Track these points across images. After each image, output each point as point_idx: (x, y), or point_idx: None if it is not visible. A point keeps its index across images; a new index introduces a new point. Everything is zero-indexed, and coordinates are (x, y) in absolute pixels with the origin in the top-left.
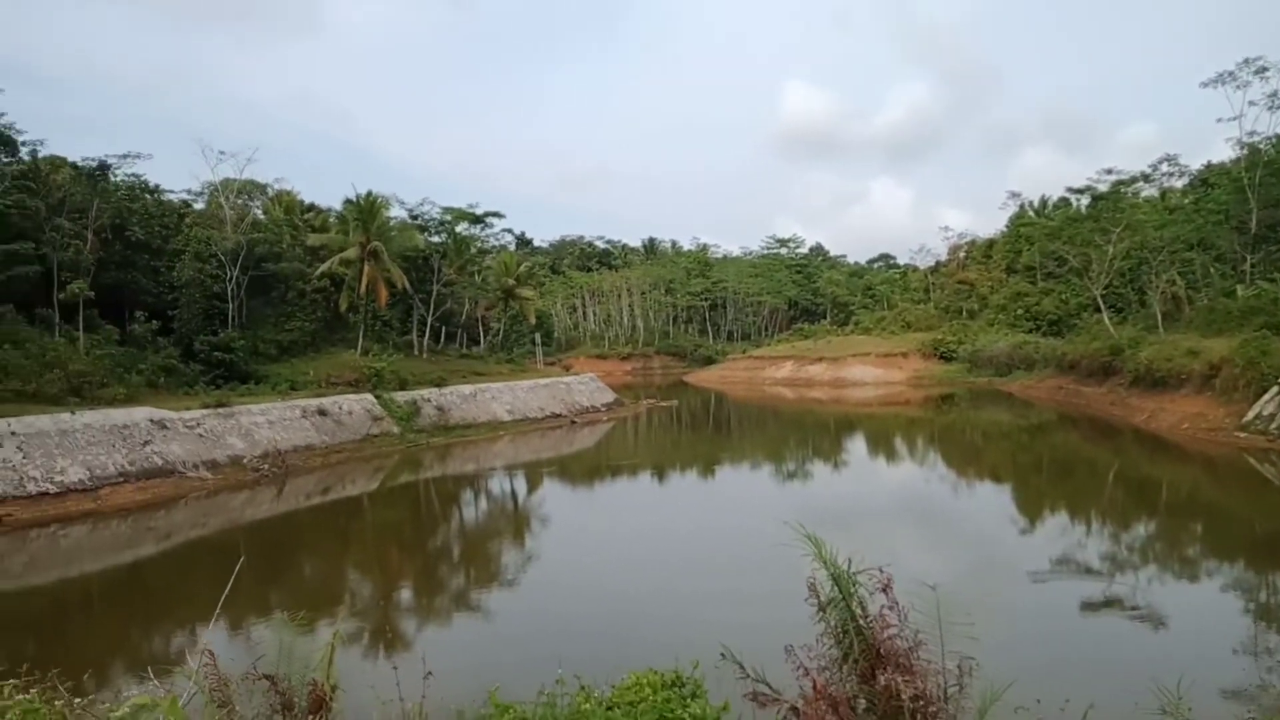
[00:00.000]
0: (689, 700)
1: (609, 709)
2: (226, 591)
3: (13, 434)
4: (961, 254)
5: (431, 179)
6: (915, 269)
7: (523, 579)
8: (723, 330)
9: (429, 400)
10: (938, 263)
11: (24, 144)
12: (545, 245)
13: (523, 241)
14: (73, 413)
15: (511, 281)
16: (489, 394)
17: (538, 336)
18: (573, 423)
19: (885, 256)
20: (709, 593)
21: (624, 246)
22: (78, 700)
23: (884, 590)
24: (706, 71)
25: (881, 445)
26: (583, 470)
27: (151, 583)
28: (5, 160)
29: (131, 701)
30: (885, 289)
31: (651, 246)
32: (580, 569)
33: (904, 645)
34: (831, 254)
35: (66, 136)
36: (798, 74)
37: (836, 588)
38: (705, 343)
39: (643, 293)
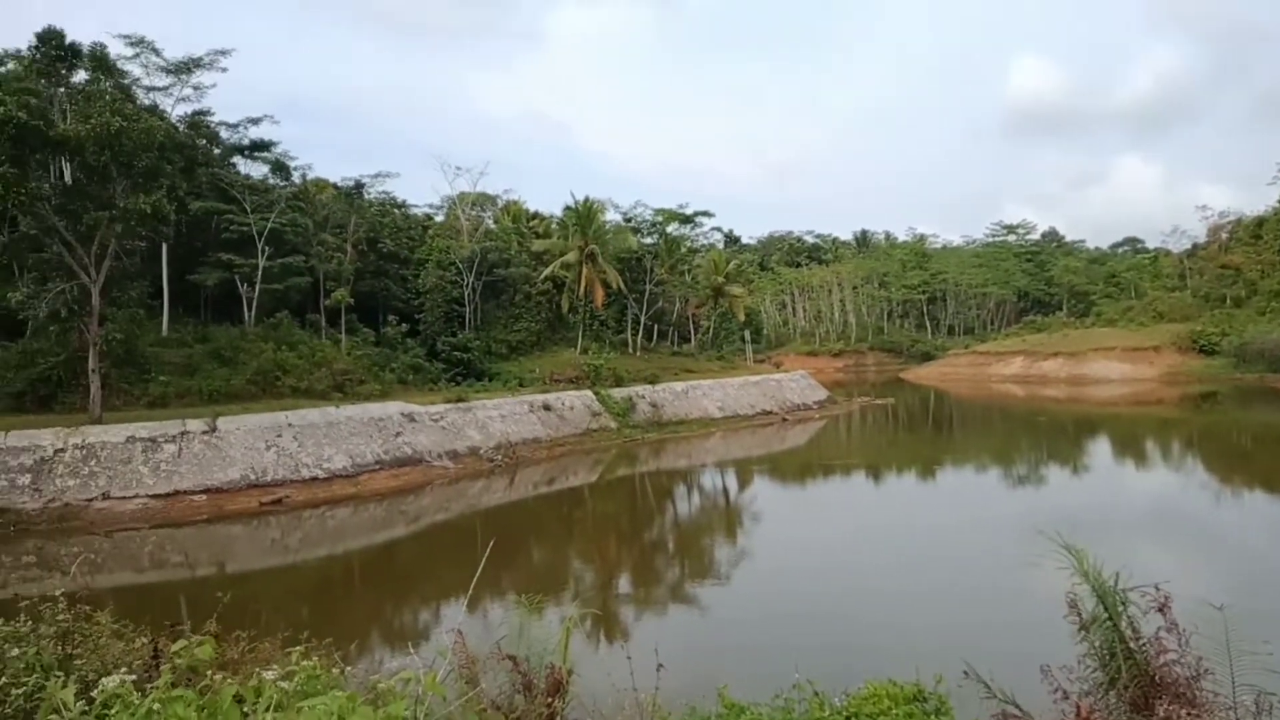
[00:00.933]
0: (934, 717)
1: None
2: (477, 575)
3: (290, 425)
4: (1224, 235)
5: (644, 181)
6: (1167, 253)
7: (737, 575)
8: (942, 324)
9: (643, 397)
10: (1194, 246)
11: (295, 169)
12: (753, 242)
13: (731, 239)
14: (337, 407)
15: (720, 279)
16: (700, 391)
17: (747, 334)
18: (784, 420)
19: (1131, 240)
20: (939, 601)
21: (834, 240)
22: (348, 669)
23: (1160, 610)
24: (923, 53)
25: (1132, 448)
26: (795, 468)
27: (403, 561)
28: (281, 184)
29: (399, 675)
30: (1132, 276)
31: (864, 239)
32: (797, 568)
33: (1185, 673)
34: (1067, 239)
35: (328, 160)
36: (1027, 48)
37: (1101, 605)
38: (923, 338)
39: (854, 287)
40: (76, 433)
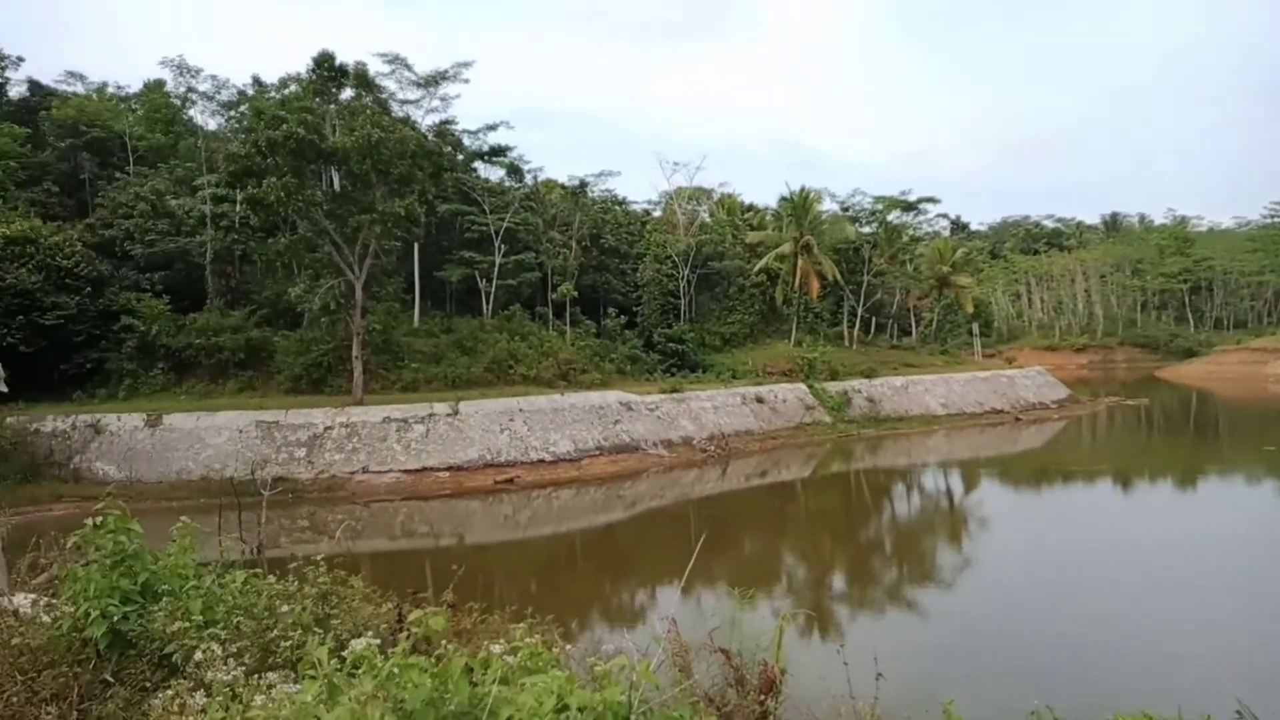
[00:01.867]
0: None
1: None
2: (691, 564)
3: (521, 411)
4: None
5: (865, 168)
6: None
7: (961, 584)
8: (1207, 317)
9: (859, 391)
10: None
11: (528, 171)
12: (983, 228)
13: (958, 226)
14: (562, 394)
15: (946, 269)
16: (921, 386)
17: (975, 326)
18: (1016, 419)
19: None
20: (1197, 630)
21: (1078, 224)
22: (569, 647)
23: None
24: (1185, 17)
25: None
26: (1028, 472)
27: (620, 544)
28: (515, 186)
29: (614, 660)
30: None
31: (1113, 222)
32: (1030, 581)
33: None
34: None
35: (557, 161)
36: None
37: None
38: (1184, 332)
39: (1102, 275)
40: (342, 412)
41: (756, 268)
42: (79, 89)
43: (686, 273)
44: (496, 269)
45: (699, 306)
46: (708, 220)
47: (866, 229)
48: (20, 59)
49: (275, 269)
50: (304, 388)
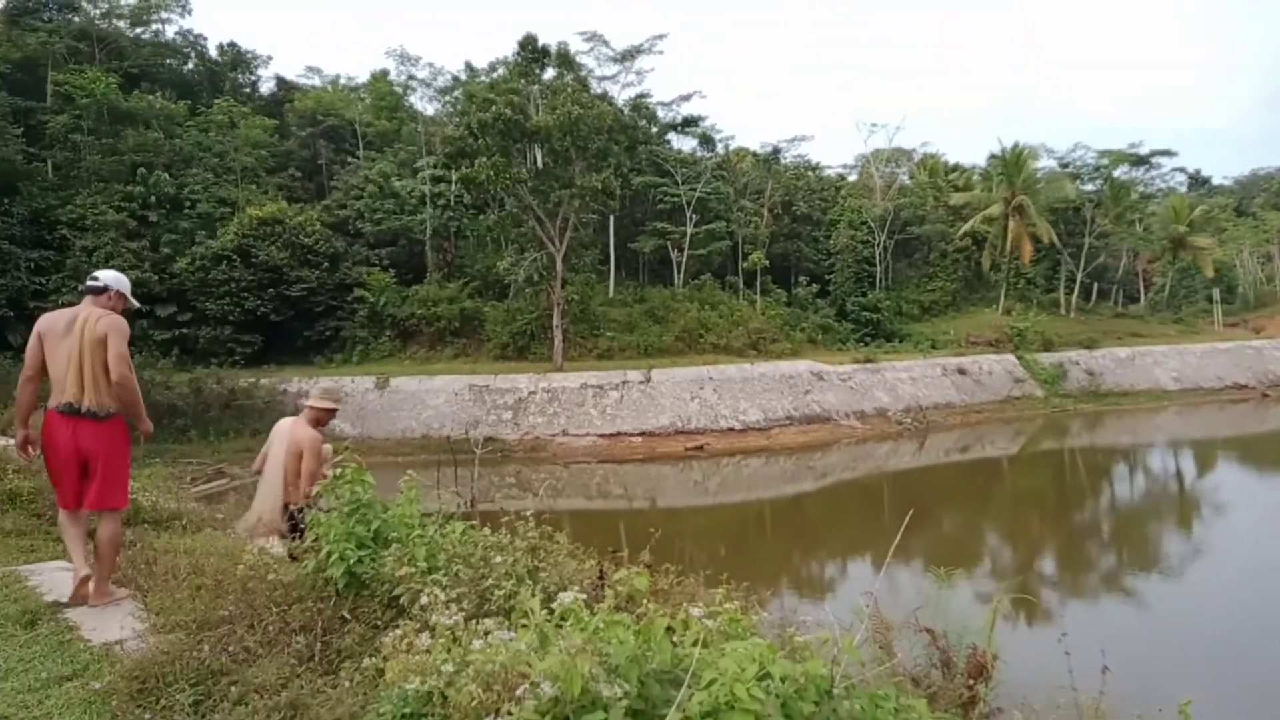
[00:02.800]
0: None
1: None
2: (896, 542)
3: (710, 379)
4: None
5: (1088, 119)
6: None
7: (1192, 574)
8: None
9: (1076, 363)
10: None
11: (720, 140)
12: (1228, 183)
13: (1197, 181)
14: (751, 364)
15: (1182, 229)
16: (1150, 358)
17: (1215, 292)
18: (1264, 396)
19: None
20: None
21: None
22: (766, 615)
23: None
24: None
25: None
26: (1276, 454)
27: (810, 514)
28: (707, 156)
29: (819, 635)
30: None
31: None
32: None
33: None
34: None
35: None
36: None
37: None
38: None
39: None
40: (544, 378)
41: (961, 231)
42: (316, 82)
43: (883, 238)
44: (688, 239)
45: (896, 274)
46: (907, 183)
47: (1088, 186)
48: (269, 57)
49: (485, 243)
50: (510, 354)
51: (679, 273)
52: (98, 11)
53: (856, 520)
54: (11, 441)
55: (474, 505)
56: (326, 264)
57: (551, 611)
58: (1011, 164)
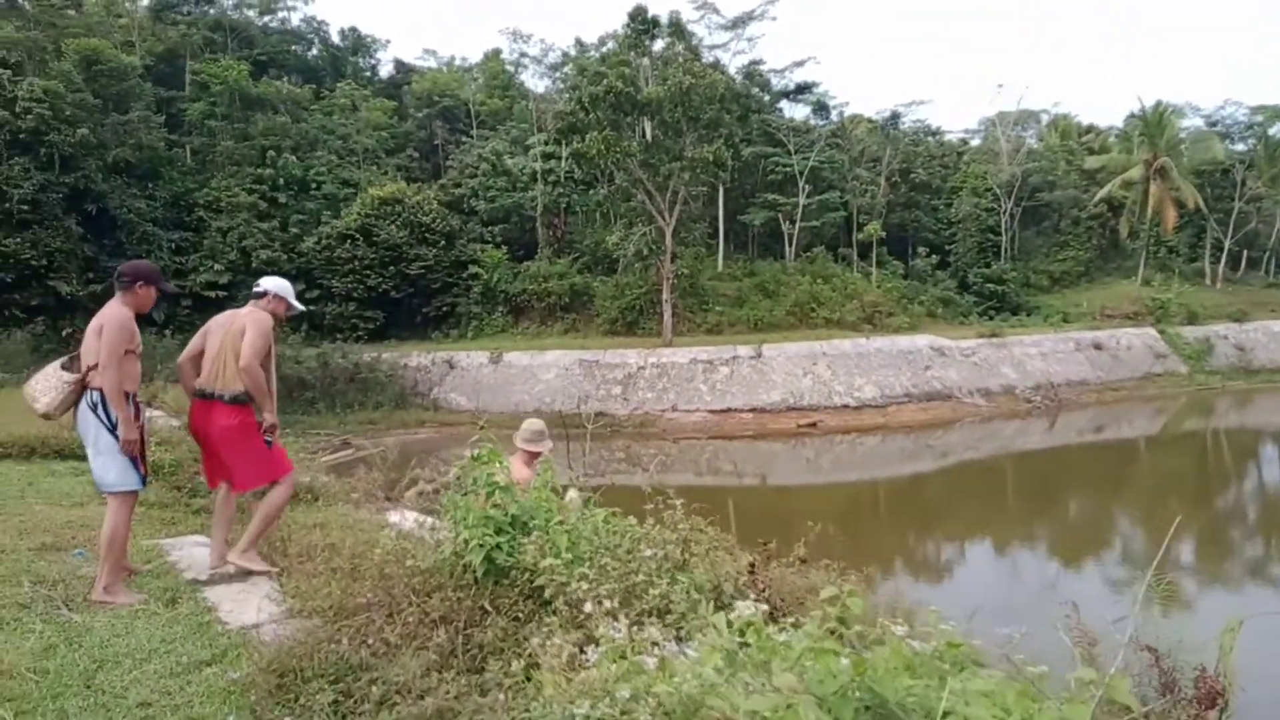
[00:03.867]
0: None
1: None
2: (1161, 552)
3: (824, 354)
4: None
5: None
6: None
7: None
8: None
9: (1225, 337)
10: None
11: (834, 107)
12: None
13: None
14: (867, 338)
15: None
16: None
17: None
18: None
19: None
20: None
21: None
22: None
23: None
24: None
25: None
26: None
27: (928, 495)
28: (821, 124)
29: (1075, 675)
30: None
31: None
32: None
33: None
34: None
35: (862, 93)
36: None
37: None
38: None
39: None
40: (653, 353)
41: (1096, 197)
42: (432, 64)
43: (1009, 206)
44: (800, 210)
45: (1023, 243)
46: (1035, 146)
47: (1239, 146)
48: (388, 41)
49: (594, 219)
50: (619, 329)
51: (790, 245)
52: (230, 3)
53: (979, 503)
54: (158, 413)
55: (586, 479)
56: (443, 242)
57: (729, 624)
58: (1153, 124)
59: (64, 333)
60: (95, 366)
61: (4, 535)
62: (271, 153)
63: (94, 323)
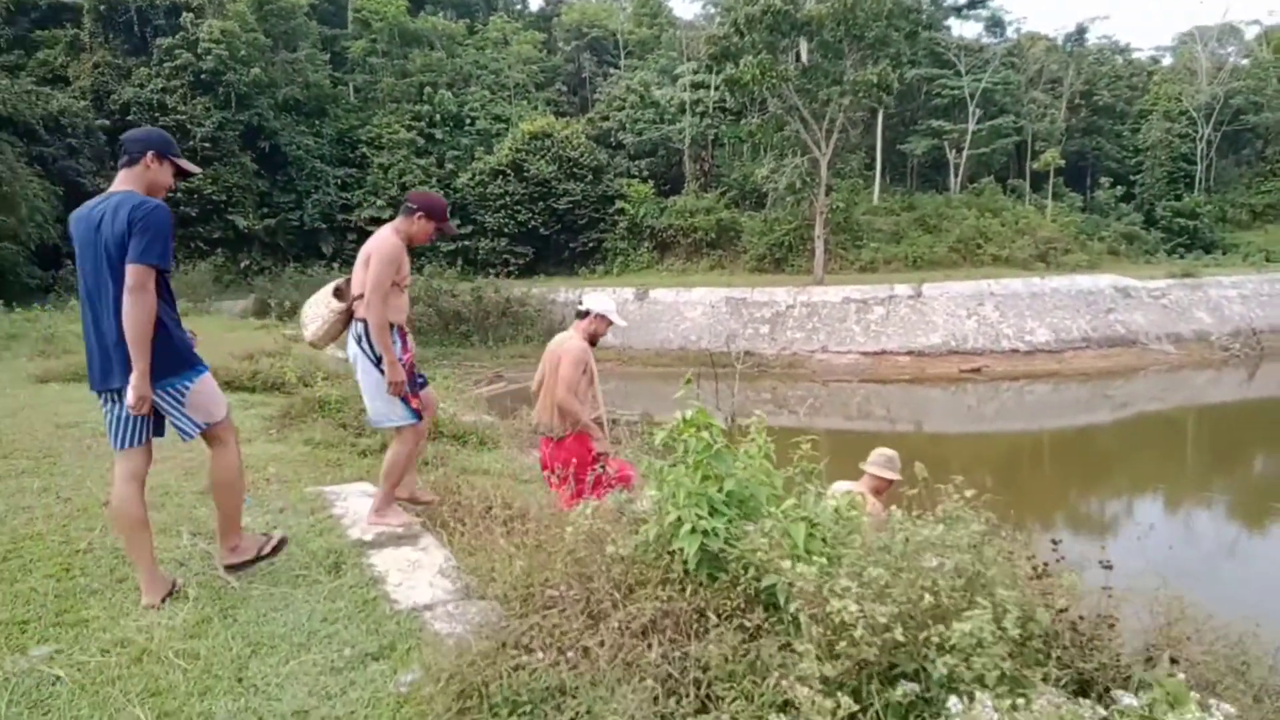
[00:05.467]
0: None
1: None
2: None
3: (991, 294)
4: None
5: None
6: None
7: None
8: None
9: None
10: None
11: (1010, 23)
12: None
13: None
14: (1041, 277)
15: None
16: None
17: None
18: None
19: None
20: None
21: None
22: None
23: None
24: None
25: None
26: None
27: (1100, 448)
28: (994, 42)
29: None
30: None
31: None
32: None
33: None
34: None
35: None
36: None
37: None
38: None
39: None
40: (803, 291)
41: None
42: None
43: (1206, 131)
44: (969, 137)
45: (1219, 173)
46: (1243, 64)
47: None
48: None
49: (742, 152)
50: (767, 267)
51: (955, 176)
52: None
53: (1156, 458)
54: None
55: (733, 421)
56: (590, 176)
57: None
58: None
59: (242, 264)
60: (362, 297)
61: (169, 474)
62: (428, 89)
63: (364, 250)
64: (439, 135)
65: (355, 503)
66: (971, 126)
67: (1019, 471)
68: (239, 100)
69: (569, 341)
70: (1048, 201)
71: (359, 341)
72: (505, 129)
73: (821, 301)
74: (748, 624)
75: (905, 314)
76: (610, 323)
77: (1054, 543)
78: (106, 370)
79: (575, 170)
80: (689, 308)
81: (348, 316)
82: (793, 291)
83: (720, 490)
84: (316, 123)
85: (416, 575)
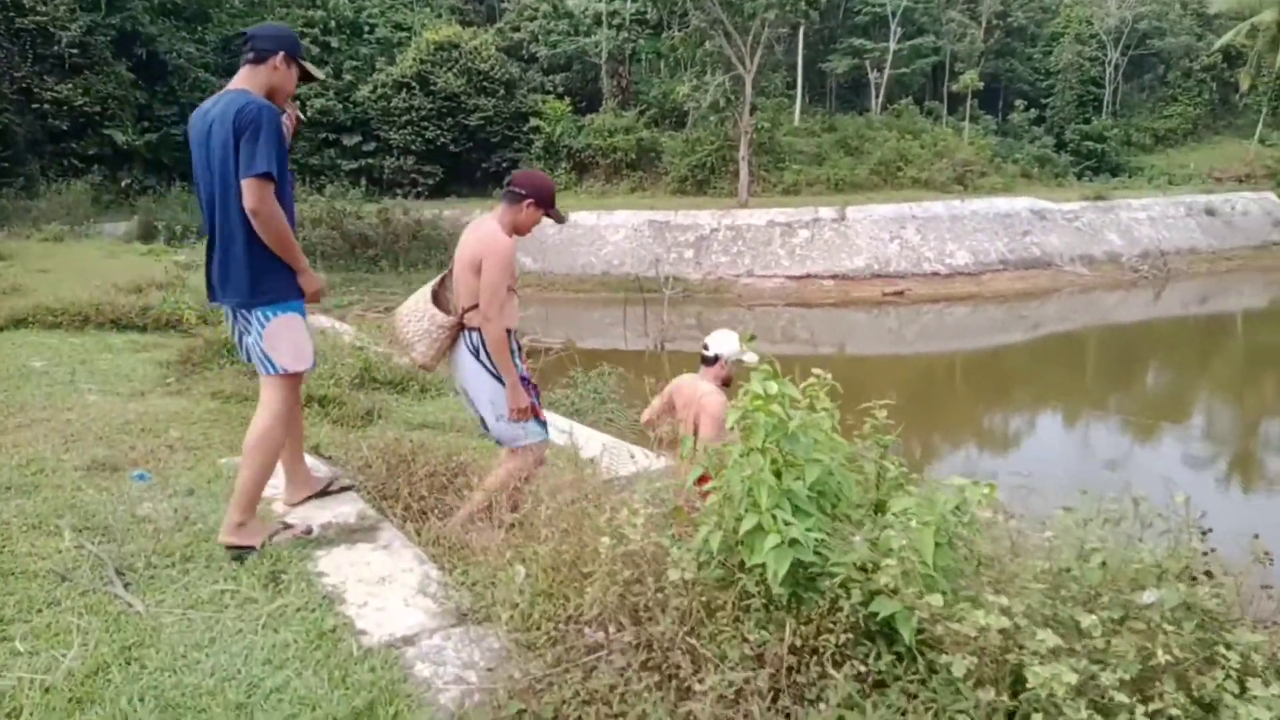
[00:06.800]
0: None
1: None
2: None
3: (913, 217)
4: None
5: None
6: None
7: None
8: None
9: None
10: None
11: None
12: None
13: None
14: (961, 200)
15: None
16: None
17: None
18: None
19: None
20: None
21: None
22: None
23: None
24: None
25: None
26: None
27: (1008, 368)
28: None
29: None
30: None
31: None
32: None
33: None
34: None
35: None
36: None
37: None
38: None
39: None
40: (727, 214)
41: (1215, 46)
42: None
43: (1115, 56)
44: (889, 57)
45: (1125, 98)
46: None
47: None
48: None
49: (660, 68)
50: (689, 189)
51: (876, 97)
52: None
53: (1060, 376)
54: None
55: (663, 348)
56: (502, 91)
57: None
58: None
59: (122, 183)
60: (474, 307)
61: (45, 442)
62: None
63: (466, 248)
64: (334, 44)
65: (283, 478)
66: (893, 46)
67: (933, 391)
68: (109, 1)
69: (708, 396)
70: (964, 124)
71: (476, 354)
72: (408, 38)
73: (746, 225)
74: (866, 669)
75: (829, 237)
76: (740, 364)
77: (1203, 532)
78: (223, 281)
79: (486, 84)
80: (611, 231)
81: (458, 328)
82: (717, 214)
83: (801, 483)
84: (199, 28)
85: (385, 591)
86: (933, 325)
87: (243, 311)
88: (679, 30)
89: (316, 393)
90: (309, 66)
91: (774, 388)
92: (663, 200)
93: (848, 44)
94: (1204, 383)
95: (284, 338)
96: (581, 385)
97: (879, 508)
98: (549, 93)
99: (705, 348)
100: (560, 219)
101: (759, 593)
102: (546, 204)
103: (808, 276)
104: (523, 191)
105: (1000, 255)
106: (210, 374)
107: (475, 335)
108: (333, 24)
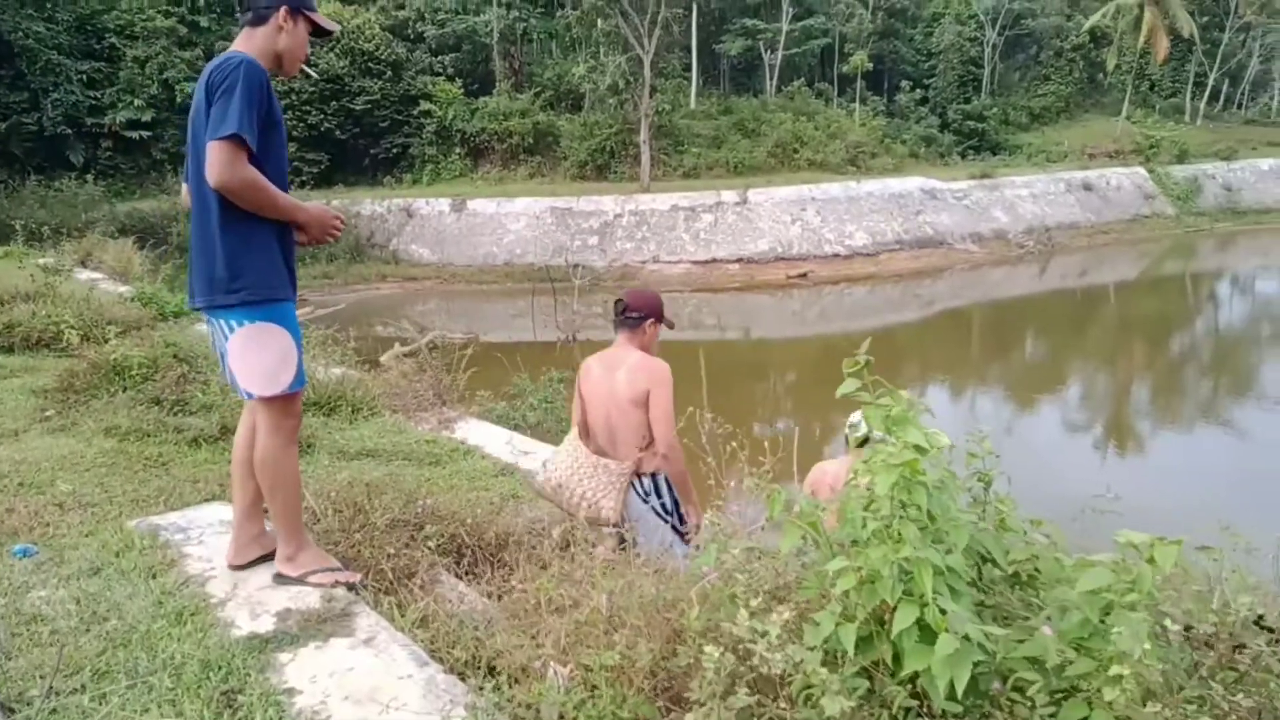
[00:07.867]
0: None
1: None
2: None
3: (813, 199)
4: None
5: None
6: None
7: None
8: None
9: (1213, 177)
10: None
11: None
12: None
13: None
14: (857, 181)
15: None
16: None
17: None
18: None
19: None
20: None
21: None
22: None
23: None
24: None
25: None
26: None
27: (900, 345)
28: None
29: None
30: None
31: None
32: None
33: None
34: None
35: None
36: None
37: None
38: None
39: None
40: (631, 200)
41: (1084, 26)
42: None
43: (992, 36)
44: (782, 38)
45: (1001, 77)
46: None
47: None
48: None
49: (552, 49)
50: (589, 174)
51: (771, 79)
52: None
53: (947, 351)
54: (99, 275)
55: (575, 339)
56: (389, 73)
57: None
58: None
59: None
60: (648, 447)
61: None
62: None
63: (622, 386)
64: (204, 23)
65: (216, 543)
66: (785, 26)
67: (833, 373)
68: None
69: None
70: (855, 105)
71: (645, 499)
72: None
73: (650, 210)
74: None
75: (733, 221)
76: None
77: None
78: (192, 277)
79: (371, 66)
80: (511, 219)
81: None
82: (620, 200)
83: (955, 555)
84: (48, 6)
85: (356, 685)
86: (833, 306)
87: (209, 316)
88: (572, 9)
89: (232, 422)
90: (320, 19)
91: (916, 435)
92: (563, 186)
93: (740, 24)
94: (1080, 354)
95: (252, 353)
96: (530, 394)
97: (1016, 576)
98: (439, 74)
99: (849, 428)
100: (672, 325)
101: (921, 709)
102: (662, 317)
103: (713, 261)
104: (642, 314)
105: (896, 235)
106: (99, 404)
107: (649, 480)
108: (202, 3)
